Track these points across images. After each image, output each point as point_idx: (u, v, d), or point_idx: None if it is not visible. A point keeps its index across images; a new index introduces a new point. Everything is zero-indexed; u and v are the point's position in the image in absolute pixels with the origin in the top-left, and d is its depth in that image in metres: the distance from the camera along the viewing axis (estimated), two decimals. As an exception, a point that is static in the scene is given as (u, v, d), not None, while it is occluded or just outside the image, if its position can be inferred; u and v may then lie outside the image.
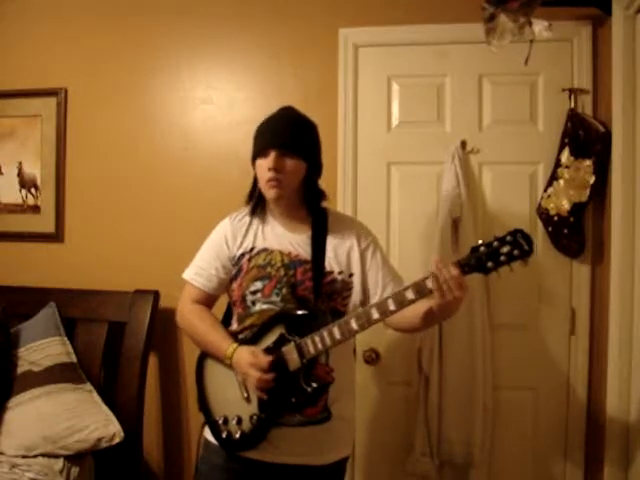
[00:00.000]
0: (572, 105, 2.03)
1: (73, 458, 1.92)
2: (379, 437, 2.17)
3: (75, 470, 1.90)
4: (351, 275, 1.56)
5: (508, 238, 1.32)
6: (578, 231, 2.02)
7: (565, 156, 2.01)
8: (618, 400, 1.80)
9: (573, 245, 2.03)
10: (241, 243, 1.58)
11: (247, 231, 1.59)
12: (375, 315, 1.39)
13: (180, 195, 2.34)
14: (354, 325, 1.41)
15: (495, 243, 1.33)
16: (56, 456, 1.90)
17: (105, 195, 2.40)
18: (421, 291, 1.36)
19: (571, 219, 2.01)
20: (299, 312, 1.47)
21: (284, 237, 1.57)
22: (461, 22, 2.08)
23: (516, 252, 1.31)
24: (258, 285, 1.53)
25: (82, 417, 1.97)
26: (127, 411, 2.11)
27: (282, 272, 1.52)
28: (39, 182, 2.44)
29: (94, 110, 2.40)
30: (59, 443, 1.91)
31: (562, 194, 2.01)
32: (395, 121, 2.19)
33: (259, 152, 1.53)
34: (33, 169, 2.45)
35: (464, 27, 2.07)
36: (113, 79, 2.38)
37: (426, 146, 2.15)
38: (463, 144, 2.11)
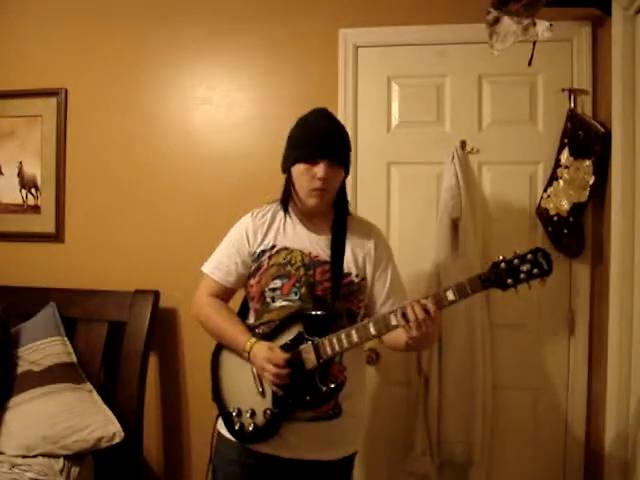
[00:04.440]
0: (572, 105, 2.03)
1: (73, 458, 1.92)
2: (379, 437, 2.17)
3: (75, 470, 1.90)
4: (364, 279, 1.59)
5: (529, 257, 1.35)
6: (578, 231, 2.02)
7: (565, 156, 2.01)
8: (618, 399, 1.80)
9: (573, 245, 2.03)
10: (262, 240, 1.59)
11: (268, 229, 1.60)
12: (394, 322, 1.41)
13: (180, 195, 2.34)
14: (372, 330, 1.43)
15: (516, 261, 1.35)
16: (56, 456, 1.91)
17: (105, 195, 2.40)
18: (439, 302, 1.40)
19: (571, 219, 2.01)
20: (318, 312, 1.49)
21: (305, 237, 1.59)
22: (461, 22, 2.08)
23: (536, 271, 1.34)
24: (277, 283, 1.54)
25: (82, 417, 1.97)
26: (127, 411, 2.11)
27: (302, 271, 1.54)
28: (39, 182, 2.44)
29: (94, 110, 2.40)
30: (59, 443, 1.91)
31: (562, 194, 2.01)
32: (395, 121, 2.19)
33: (306, 158, 1.52)
34: (33, 169, 2.45)
35: (464, 27, 2.08)
36: (113, 79, 2.39)
37: (426, 146, 2.15)
38: (463, 144, 2.11)
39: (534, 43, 1.66)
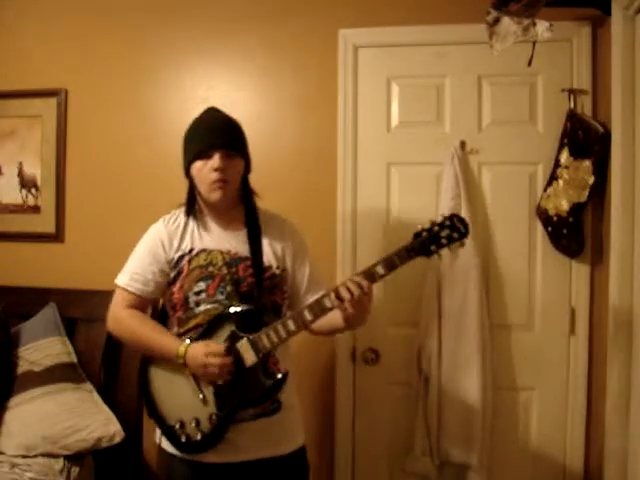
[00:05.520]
0: (571, 105, 2.03)
1: (73, 458, 1.92)
2: (379, 437, 2.17)
3: (75, 470, 1.90)
4: (284, 270, 1.61)
5: (447, 222, 1.44)
6: (577, 231, 2.02)
7: (564, 156, 2.01)
8: (618, 400, 1.80)
9: (572, 245, 2.03)
10: (178, 246, 1.59)
11: (183, 233, 1.61)
12: (328, 304, 1.44)
13: (180, 195, 2.33)
14: (308, 315, 1.46)
15: (435, 228, 1.44)
16: (56, 456, 1.90)
17: (105, 195, 2.39)
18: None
19: (570, 219, 2.01)
20: (246, 308, 1.50)
21: (221, 236, 1.59)
22: (461, 23, 2.09)
23: (455, 235, 1.44)
24: (202, 285, 1.54)
25: (82, 417, 1.97)
26: (127, 411, 2.11)
27: (224, 270, 1.54)
28: (39, 182, 2.44)
29: (94, 110, 2.40)
30: (59, 443, 1.91)
31: (561, 194, 2.01)
32: (395, 121, 2.19)
33: (199, 155, 1.54)
34: (33, 169, 2.45)
35: (464, 28, 2.08)
36: (113, 79, 2.38)
37: (426, 146, 2.15)
38: (462, 144, 2.11)
39: (534, 43, 1.66)
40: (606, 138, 1.90)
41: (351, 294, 1.40)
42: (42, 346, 2.11)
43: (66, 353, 2.13)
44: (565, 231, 2.02)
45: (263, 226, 1.62)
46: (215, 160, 1.51)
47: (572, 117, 2.01)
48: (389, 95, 2.19)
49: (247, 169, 1.63)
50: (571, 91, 2.04)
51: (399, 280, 2.15)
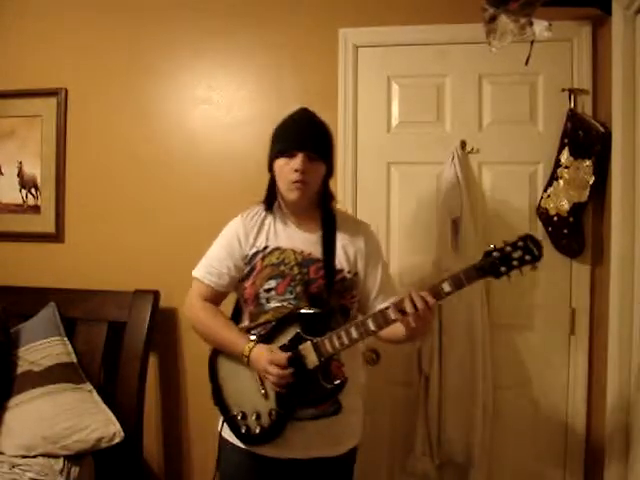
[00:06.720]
0: (572, 105, 2.02)
1: (73, 458, 1.93)
2: (379, 437, 2.17)
3: (75, 470, 1.90)
4: (356, 274, 1.60)
5: (520, 243, 1.36)
6: (578, 231, 2.02)
7: (565, 156, 2.01)
8: (618, 400, 1.79)
9: (573, 245, 2.03)
10: (254, 242, 1.60)
11: (259, 230, 1.61)
12: (393, 316, 1.42)
13: (180, 195, 2.34)
14: (371, 326, 1.44)
15: (507, 248, 1.37)
16: (56, 456, 1.91)
17: (105, 195, 2.40)
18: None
19: (571, 219, 2.01)
20: (313, 311, 1.50)
21: (296, 236, 1.60)
22: (461, 22, 2.08)
23: (527, 257, 1.36)
24: (272, 283, 1.55)
25: (82, 417, 1.97)
26: (127, 411, 2.11)
27: (296, 270, 1.54)
28: (39, 182, 2.44)
29: (94, 110, 2.40)
30: (59, 443, 1.91)
31: (562, 194, 2.01)
32: (395, 121, 2.19)
33: (284, 152, 1.54)
34: (33, 169, 2.45)
35: (464, 27, 2.08)
36: (113, 79, 2.38)
37: (426, 146, 2.15)
38: (463, 144, 2.11)
39: (532, 42, 1.66)
40: (606, 138, 1.90)
41: (415, 309, 1.39)
42: (42, 346, 2.11)
43: (66, 353, 2.13)
44: (565, 231, 2.02)
45: (339, 229, 1.62)
46: (297, 161, 1.51)
47: (572, 117, 2.01)
48: (389, 95, 2.19)
49: (329, 173, 1.63)
50: (571, 91, 2.03)
51: (399, 280, 2.15)
